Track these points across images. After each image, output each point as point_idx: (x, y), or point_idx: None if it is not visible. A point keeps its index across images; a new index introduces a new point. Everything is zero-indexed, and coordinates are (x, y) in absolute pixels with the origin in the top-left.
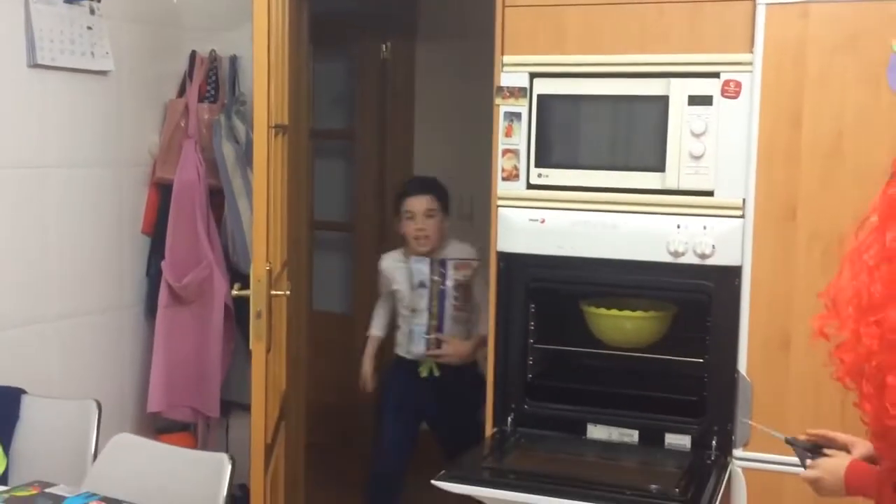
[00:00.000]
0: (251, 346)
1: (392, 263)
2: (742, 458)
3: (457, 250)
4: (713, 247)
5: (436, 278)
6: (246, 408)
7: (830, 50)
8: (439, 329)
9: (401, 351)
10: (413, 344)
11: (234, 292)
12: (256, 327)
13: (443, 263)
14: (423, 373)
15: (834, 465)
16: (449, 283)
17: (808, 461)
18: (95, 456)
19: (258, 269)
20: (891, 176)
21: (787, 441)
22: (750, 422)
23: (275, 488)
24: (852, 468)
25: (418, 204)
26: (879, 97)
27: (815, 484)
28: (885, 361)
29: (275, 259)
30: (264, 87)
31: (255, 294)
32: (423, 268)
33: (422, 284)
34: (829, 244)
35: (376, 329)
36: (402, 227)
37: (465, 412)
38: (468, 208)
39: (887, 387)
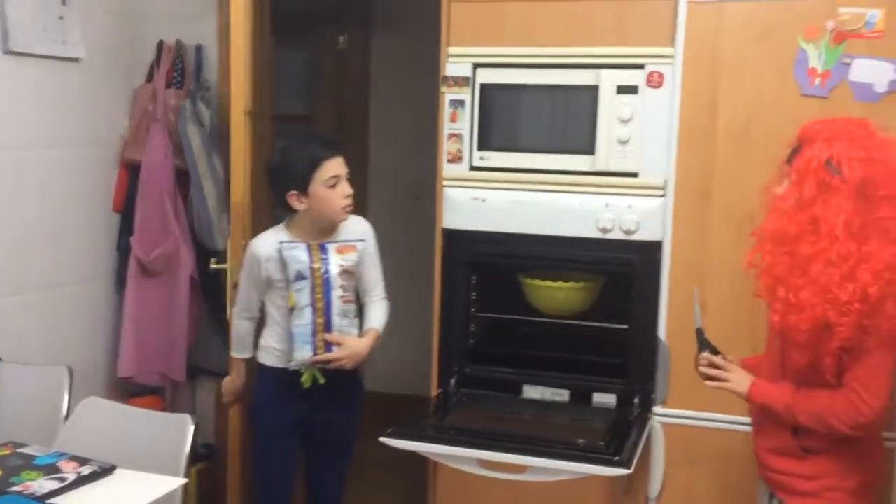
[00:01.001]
0: (228, 313)
1: (270, 250)
2: (661, 415)
3: (354, 223)
4: (637, 224)
5: (316, 266)
6: (210, 373)
7: (744, 44)
8: (327, 328)
9: (273, 360)
10: (296, 350)
11: (213, 266)
12: (233, 296)
13: (322, 248)
14: (307, 383)
15: (743, 373)
16: (333, 269)
17: (708, 353)
18: (67, 418)
19: (235, 245)
20: (797, 145)
21: (699, 329)
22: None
23: (245, 442)
24: (759, 380)
25: (341, 165)
26: (786, 87)
27: (723, 374)
28: (790, 281)
29: (247, 235)
30: (241, 75)
31: (233, 267)
32: (299, 255)
33: (300, 276)
34: (741, 221)
35: (245, 349)
36: (317, 201)
37: (347, 427)
38: (420, 189)
39: (788, 301)
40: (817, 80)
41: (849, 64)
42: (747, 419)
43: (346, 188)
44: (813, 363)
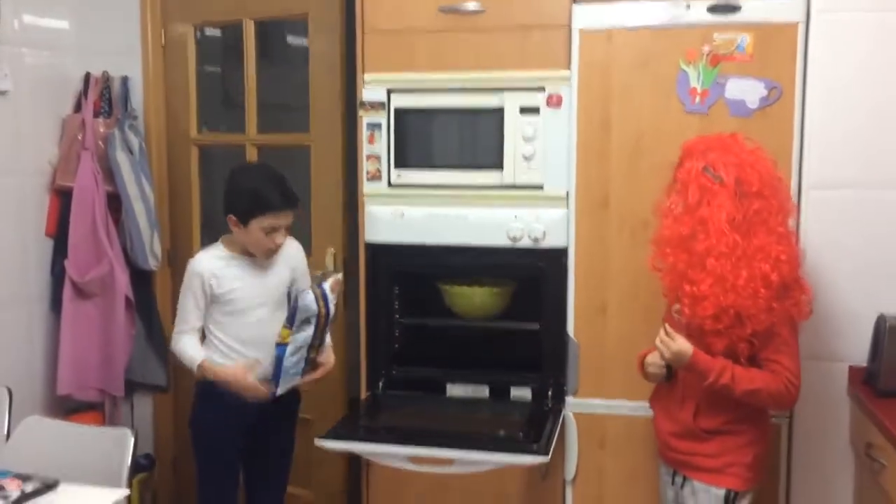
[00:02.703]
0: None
1: (220, 267)
2: (573, 405)
3: (288, 245)
4: (544, 232)
5: (322, 310)
6: (147, 386)
7: (632, 67)
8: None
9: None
10: (287, 382)
11: None
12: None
13: (322, 292)
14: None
15: (684, 343)
16: (332, 309)
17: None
18: (8, 438)
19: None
20: (679, 160)
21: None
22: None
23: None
24: (698, 351)
25: (284, 219)
26: (670, 106)
27: (669, 341)
28: (691, 276)
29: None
30: (188, 104)
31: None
32: (310, 304)
33: (306, 321)
34: (635, 226)
35: (200, 352)
36: (249, 235)
37: (288, 435)
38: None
39: (693, 294)
40: (697, 98)
41: (724, 83)
42: (646, 404)
43: (279, 238)
44: (729, 348)
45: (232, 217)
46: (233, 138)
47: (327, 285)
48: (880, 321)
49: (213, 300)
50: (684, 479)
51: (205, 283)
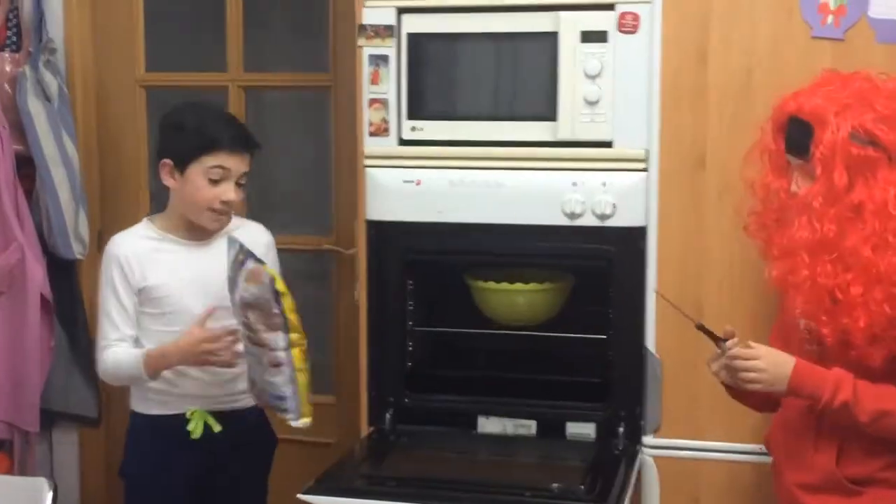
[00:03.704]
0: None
1: (144, 251)
2: (653, 446)
3: (253, 233)
4: (614, 206)
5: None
6: (73, 418)
7: None
8: None
9: (150, 406)
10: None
11: None
12: None
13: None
14: (196, 431)
15: (778, 356)
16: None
17: (736, 348)
18: None
19: None
20: (805, 129)
21: (699, 326)
22: (656, 291)
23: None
24: (801, 363)
25: (236, 164)
26: (792, 28)
27: (754, 370)
28: (839, 283)
29: None
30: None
31: None
32: (255, 290)
33: (248, 306)
34: (743, 196)
35: (140, 353)
36: (187, 188)
37: (254, 488)
38: None
39: (830, 310)
40: (830, 18)
41: None
42: (760, 447)
43: (227, 191)
44: (888, 360)
45: (166, 162)
46: (207, 78)
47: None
48: None
49: (140, 296)
50: None
51: (125, 269)
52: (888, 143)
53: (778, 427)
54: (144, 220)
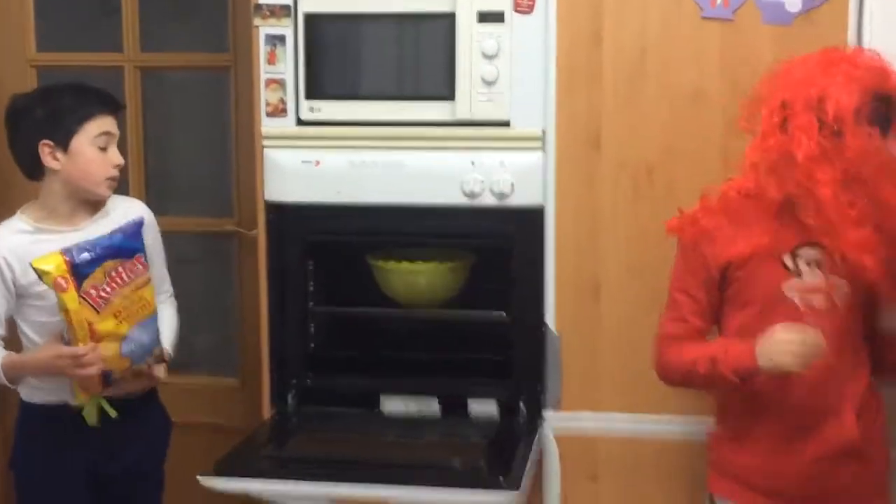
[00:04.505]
0: None
1: (23, 245)
2: (553, 421)
3: (127, 205)
4: (512, 185)
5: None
6: None
7: None
8: None
9: (40, 395)
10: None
11: None
12: None
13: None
14: (92, 419)
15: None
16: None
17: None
18: None
19: None
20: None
21: None
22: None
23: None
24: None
25: (115, 126)
26: (682, 10)
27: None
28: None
29: None
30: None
31: None
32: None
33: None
34: (637, 174)
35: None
36: (78, 161)
37: (151, 472)
38: None
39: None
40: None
41: None
42: (659, 417)
43: (116, 155)
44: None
45: (47, 144)
46: (101, 58)
47: None
48: None
49: (20, 293)
50: None
51: (5, 273)
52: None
53: (756, 416)
54: (17, 213)
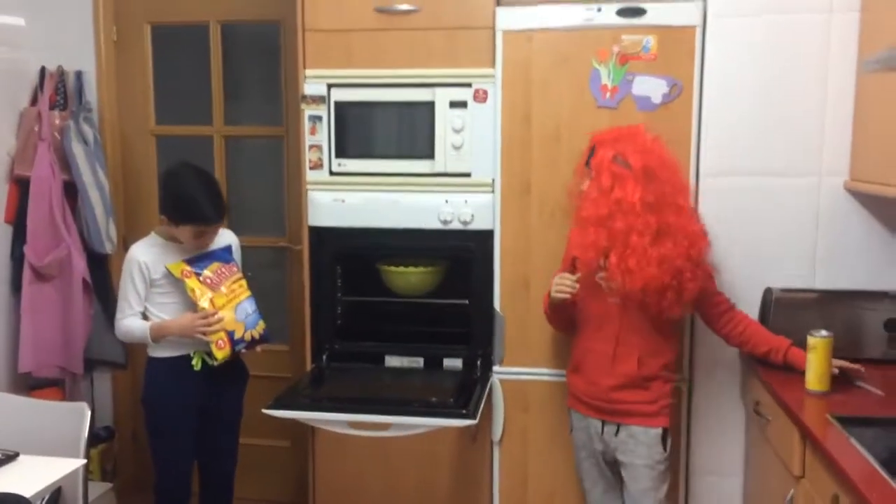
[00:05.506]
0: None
1: (155, 254)
2: (499, 373)
3: (225, 237)
4: (472, 216)
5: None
6: (106, 363)
7: (549, 65)
8: None
9: (162, 351)
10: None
11: None
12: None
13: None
14: (198, 365)
15: None
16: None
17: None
18: None
19: None
20: (590, 149)
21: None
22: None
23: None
24: None
25: (215, 227)
26: (584, 101)
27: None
28: (618, 251)
29: None
30: (146, 96)
31: None
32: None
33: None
34: (554, 209)
35: (145, 322)
36: (180, 234)
37: (235, 405)
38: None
39: (620, 267)
40: (608, 94)
41: (631, 80)
42: (563, 371)
43: (207, 241)
44: (681, 313)
45: (163, 218)
46: (198, 130)
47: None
48: (766, 293)
49: (151, 284)
50: (618, 426)
51: (142, 269)
52: (636, 166)
53: (580, 358)
54: (152, 232)
